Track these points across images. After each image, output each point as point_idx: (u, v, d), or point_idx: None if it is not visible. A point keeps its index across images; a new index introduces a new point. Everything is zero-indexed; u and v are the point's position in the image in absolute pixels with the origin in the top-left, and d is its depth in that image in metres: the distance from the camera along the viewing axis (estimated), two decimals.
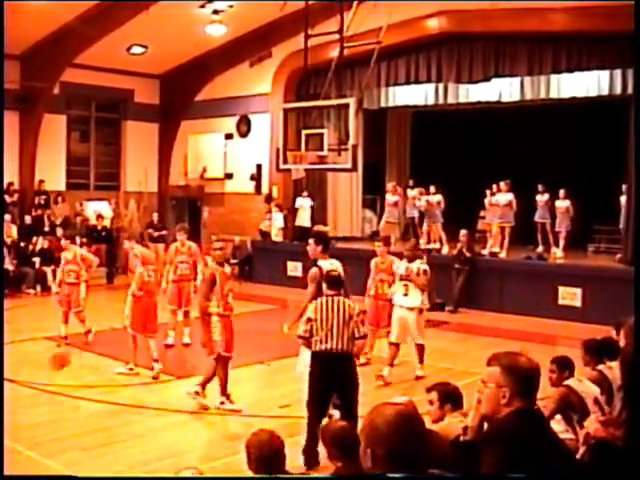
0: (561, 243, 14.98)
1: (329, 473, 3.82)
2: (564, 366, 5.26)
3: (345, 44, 12.93)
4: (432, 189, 15.64)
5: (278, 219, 17.54)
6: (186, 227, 12.10)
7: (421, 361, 9.34)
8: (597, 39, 13.53)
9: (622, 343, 4.93)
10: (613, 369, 4.85)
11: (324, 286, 6.50)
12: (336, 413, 6.96)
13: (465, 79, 15.69)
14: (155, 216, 18.76)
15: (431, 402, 4.45)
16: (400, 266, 9.41)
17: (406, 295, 9.15)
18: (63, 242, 11.65)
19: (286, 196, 18.32)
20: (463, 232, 14.45)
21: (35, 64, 17.19)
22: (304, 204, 17.39)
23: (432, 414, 4.42)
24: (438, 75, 15.93)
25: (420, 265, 9.32)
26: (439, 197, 15.52)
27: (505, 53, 14.94)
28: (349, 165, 12.63)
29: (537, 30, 14.12)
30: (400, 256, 9.73)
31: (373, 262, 10.23)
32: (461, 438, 3.40)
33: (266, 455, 3.72)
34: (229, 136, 19.35)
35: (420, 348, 9.33)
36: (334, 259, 7.42)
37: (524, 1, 13.69)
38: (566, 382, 4.87)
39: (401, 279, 9.22)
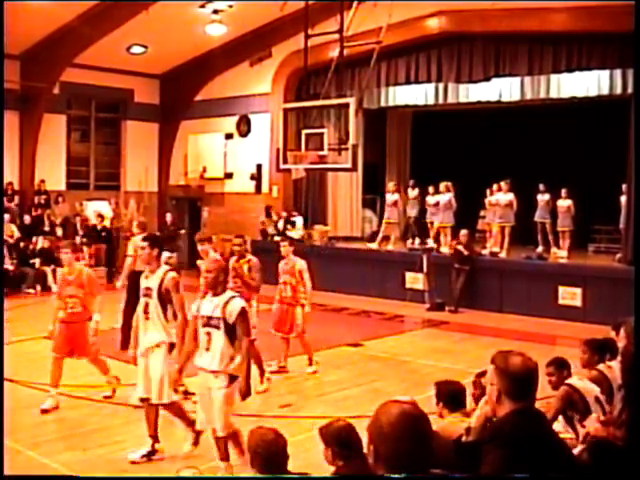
0: (566, 243, 14.98)
1: (329, 473, 3.81)
2: (562, 367, 5.25)
3: (345, 44, 12.93)
4: (442, 187, 15.38)
5: (299, 221, 17.65)
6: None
7: (226, 458, 5.78)
8: (597, 39, 13.54)
9: (621, 343, 4.93)
10: (613, 369, 4.85)
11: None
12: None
13: (465, 79, 15.70)
14: (168, 216, 18.66)
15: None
16: (205, 302, 5.74)
17: (208, 350, 5.61)
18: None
19: (286, 196, 18.34)
20: (463, 232, 14.47)
21: (35, 64, 17.18)
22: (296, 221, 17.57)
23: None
24: (438, 75, 15.94)
25: (233, 302, 5.61)
26: (450, 196, 15.30)
27: (505, 53, 14.95)
28: (349, 165, 12.64)
29: (537, 30, 14.13)
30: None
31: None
32: (463, 438, 3.39)
33: (273, 454, 3.72)
34: (229, 136, 19.34)
35: (225, 440, 5.73)
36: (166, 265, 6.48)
37: (524, 1, 13.71)
38: (568, 381, 4.87)
39: (205, 324, 5.64)
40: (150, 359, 6.24)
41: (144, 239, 6.54)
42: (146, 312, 6.26)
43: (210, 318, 5.59)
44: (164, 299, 6.18)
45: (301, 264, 9.16)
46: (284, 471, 3.75)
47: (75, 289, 7.57)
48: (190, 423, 6.38)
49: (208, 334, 5.59)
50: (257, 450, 3.74)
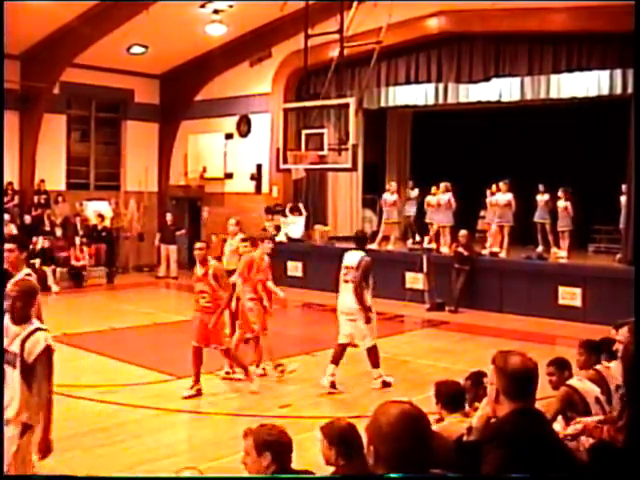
0: (566, 243, 14.95)
1: (330, 473, 3.82)
2: (563, 367, 5.25)
3: (345, 44, 12.94)
4: (442, 187, 15.41)
5: (300, 221, 17.66)
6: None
7: None
8: (597, 39, 13.54)
9: (621, 343, 4.93)
10: (610, 369, 4.85)
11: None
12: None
13: (465, 79, 15.71)
14: (169, 216, 18.77)
15: None
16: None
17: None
18: None
19: (286, 196, 18.34)
20: (462, 232, 14.47)
21: (35, 64, 17.19)
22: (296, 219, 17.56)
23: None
24: (438, 75, 15.95)
25: (36, 337, 4.54)
26: (450, 196, 15.28)
27: (505, 53, 14.96)
28: (349, 165, 12.64)
29: (537, 30, 14.14)
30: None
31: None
32: (464, 438, 3.40)
33: (287, 450, 3.74)
34: (229, 136, 19.35)
35: None
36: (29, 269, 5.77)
37: (524, 1, 13.71)
38: (568, 382, 4.88)
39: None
40: None
41: (11, 240, 6.13)
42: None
43: (6, 352, 4.51)
44: None
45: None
46: (289, 467, 3.77)
47: None
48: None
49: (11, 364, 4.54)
50: (267, 439, 3.75)
